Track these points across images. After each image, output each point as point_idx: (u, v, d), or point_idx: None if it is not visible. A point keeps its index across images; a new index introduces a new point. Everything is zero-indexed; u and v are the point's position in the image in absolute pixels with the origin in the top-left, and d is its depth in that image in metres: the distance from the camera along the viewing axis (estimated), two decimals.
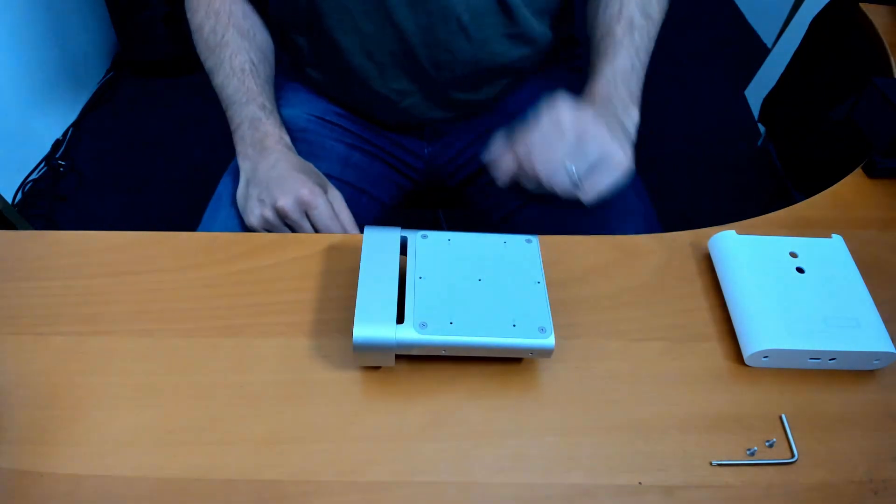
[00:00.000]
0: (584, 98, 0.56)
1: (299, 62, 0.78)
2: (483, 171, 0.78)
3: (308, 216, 0.59)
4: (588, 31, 0.67)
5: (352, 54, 0.69)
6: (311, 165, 0.65)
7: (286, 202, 0.58)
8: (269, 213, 0.59)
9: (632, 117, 0.56)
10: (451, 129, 0.80)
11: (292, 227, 0.60)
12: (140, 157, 1.72)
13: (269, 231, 0.60)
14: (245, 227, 0.63)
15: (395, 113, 0.76)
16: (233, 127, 0.66)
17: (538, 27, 0.72)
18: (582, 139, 0.50)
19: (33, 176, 1.65)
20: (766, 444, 0.41)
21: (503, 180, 0.53)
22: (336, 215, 0.60)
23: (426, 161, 0.82)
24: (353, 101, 0.77)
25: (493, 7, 0.66)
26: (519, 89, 0.78)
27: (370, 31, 0.66)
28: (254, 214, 0.60)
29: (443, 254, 0.47)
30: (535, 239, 0.48)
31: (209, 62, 0.69)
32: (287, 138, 0.66)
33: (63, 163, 1.68)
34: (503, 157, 0.52)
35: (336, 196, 0.62)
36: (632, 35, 0.60)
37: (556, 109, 0.51)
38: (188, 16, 0.71)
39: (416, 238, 0.48)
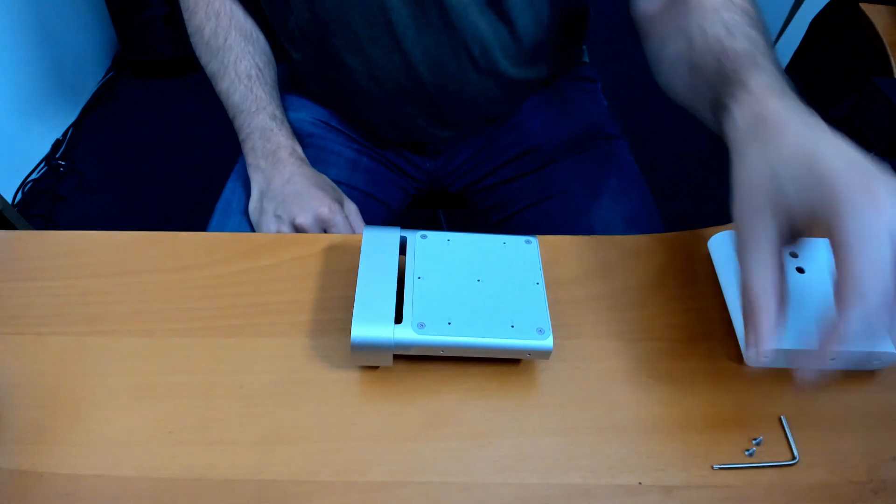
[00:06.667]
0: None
1: (298, 74, 0.76)
2: (484, 178, 0.78)
3: (326, 233, 0.59)
4: (684, 65, 0.53)
5: (359, 75, 0.67)
6: (325, 178, 0.64)
7: (305, 220, 0.58)
8: (287, 230, 0.59)
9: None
10: (454, 145, 0.79)
11: None
12: (140, 157, 1.72)
13: None
14: None
15: (398, 132, 0.75)
16: (242, 136, 0.65)
17: (546, 50, 0.69)
18: None
19: (33, 176, 1.65)
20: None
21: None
22: (352, 228, 0.60)
23: (429, 173, 0.82)
24: (356, 115, 0.75)
25: (504, 38, 0.64)
26: (523, 102, 0.77)
27: (377, 56, 0.64)
28: (269, 230, 0.60)
29: (442, 254, 0.47)
30: (534, 240, 0.48)
31: (211, 66, 0.67)
32: (300, 150, 0.65)
33: (63, 163, 1.68)
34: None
35: (351, 209, 0.62)
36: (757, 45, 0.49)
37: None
38: (185, 16, 0.69)
39: (415, 238, 0.48)
